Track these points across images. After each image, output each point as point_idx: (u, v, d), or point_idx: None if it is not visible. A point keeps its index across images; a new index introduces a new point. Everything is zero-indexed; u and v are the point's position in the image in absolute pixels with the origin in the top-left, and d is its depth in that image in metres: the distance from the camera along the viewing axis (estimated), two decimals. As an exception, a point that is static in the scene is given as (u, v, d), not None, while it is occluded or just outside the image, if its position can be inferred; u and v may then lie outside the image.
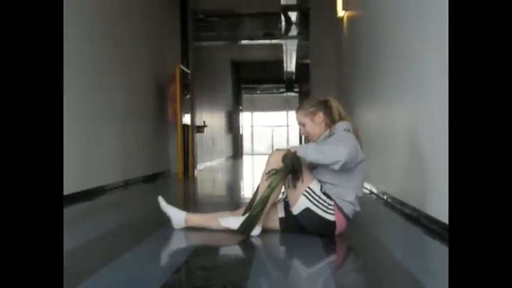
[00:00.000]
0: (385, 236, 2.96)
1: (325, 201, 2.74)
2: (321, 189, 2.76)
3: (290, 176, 2.73)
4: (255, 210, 2.78)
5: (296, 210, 2.78)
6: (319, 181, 2.79)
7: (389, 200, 4.29)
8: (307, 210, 2.74)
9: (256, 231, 2.81)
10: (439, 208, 2.82)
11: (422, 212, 3.19)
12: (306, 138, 3.05)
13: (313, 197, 2.74)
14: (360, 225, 3.15)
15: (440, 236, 2.73)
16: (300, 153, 2.71)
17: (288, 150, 2.76)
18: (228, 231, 2.86)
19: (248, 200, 2.98)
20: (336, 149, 2.64)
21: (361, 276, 2.18)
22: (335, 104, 2.90)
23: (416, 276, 2.03)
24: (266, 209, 2.80)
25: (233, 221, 2.86)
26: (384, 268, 2.24)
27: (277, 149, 2.90)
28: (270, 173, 2.77)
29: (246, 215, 2.81)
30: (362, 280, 2.12)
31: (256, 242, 2.73)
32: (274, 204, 2.94)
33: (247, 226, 2.80)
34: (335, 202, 2.74)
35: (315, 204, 2.73)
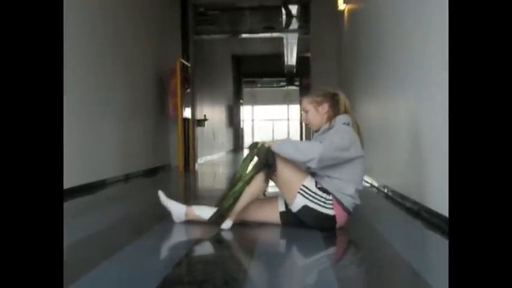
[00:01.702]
0: (385, 229, 2.96)
1: (321, 197, 2.74)
2: (316, 185, 2.77)
3: (265, 170, 2.73)
4: (227, 203, 2.79)
5: (294, 208, 2.79)
6: (318, 175, 2.79)
7: (390, 193, 4.29)
8: (305, 207, 2.75)
9: (227, 224, 2.81)
10: (440, 201, 2.82)
11: (423, 205, 3.20)
12: (306, 126, 3.06)
13: (309, 194, 2.75)
14: (361, 219, 3.15)
15: (440, 230, 2.74)
16: (274, 149, 2.73)
17: (262, 145, 2.78)
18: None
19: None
20: (311, 146, 2.68)
21: (362, 269, 2.18)
22: (343, 98, 2.89)
23: (416, 269, 2.03)
24: (241, 204, 2.79)
25: (205, 211, 2.87)
26: (384, 261, 2.24)
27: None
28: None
29: (218, 207, 2.83)
30: (362, 272, 2.13)
31: (257, 235, 2.74)
32: (275, 199, 2.94)
33: (217, 218, 2.81)
34: (334, 196, 2.75)
35: (312, 201, 2.74)
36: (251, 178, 2.76)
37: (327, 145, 2.65)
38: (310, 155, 2.64)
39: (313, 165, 2.67)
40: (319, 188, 2.76)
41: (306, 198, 2.74)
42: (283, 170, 2.77)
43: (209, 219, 2.85)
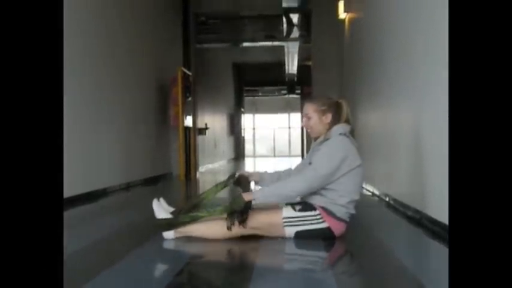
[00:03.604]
0: (387, 238, 2.96)
1: (307, 216, 2.74)
2: (295, 210, 2.77)
3: (236, 215, 2.69)
4: (183, 218, 2.78)
5: (290, 237, 2.79)
6: None
7: (391, 202, 4.28)
8: (298, 233, 2.76)
9: (169, 235, 2.80)
10: (442, 210, 2.82)
11: (425, 214, 3.19)
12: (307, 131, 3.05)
13: (294, 221, 2.75)
14: (362, 227, 3.14)
15: (442, 238, 2.73)
16: (258, 201, 2.70)
17: (241, 197, 2.70)
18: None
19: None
20: (294, 186, 2.70)
21: (363, 277, 2.17)
22: (346, 109, 2.89)
23: (418, 277, 2.02)
24: (193, 229, 2.78)
25: (160, 211, 2.84)
26: (385, 269, 2.24)
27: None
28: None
29: (173, 216, 2.82)
30: (363, 280, 2.12)
31: (258, 243, 2.73)
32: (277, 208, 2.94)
33: (165, 224, 2.81)
34: (323, 208, 2.73)
35: (301, 225, 2.74)
36: (217, 215, 2.76)
37: (312, 178, 2.68)
38: (295, 195, 2.76)
39: (303, 195, 2.78)
40: (299, 210, 2.76)
41: (294, 225, 2.75)
42: (259, 219, 2.76)
43: (159, 219, 2.83)
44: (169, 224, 2.80)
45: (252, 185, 3.04)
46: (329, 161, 2.70)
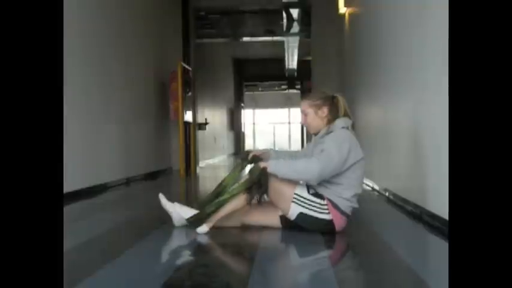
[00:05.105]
0: (387, 233, 2.96)
1: (316, 202, 2.75)
2: (308, 191, 2.77)
3: (255, 187, 2.74)
4: (209, 209, 2.81)
5: (291, 216, 2.80)
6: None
7: (391, 197, 4.28)
8: (301, 214, 2.76)
9: (203, 229, 2.81)
10: (441, 205, 2.82)
11: (424, 208, 3.19)
12: (306, 128, 3.08)
13: (302, 201, 2.76)
14: (362, 223, 3.15)
15: (442, 233, 2.73)
16: (270, 170, 2.74)
17: (257, 165, 2.79)
18: (232, 228, 2.88)
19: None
20: (308, 165, 2.68)
21: (362, 272, 2.17)
22: (342, 101, 2.89)
23: (417, 272, 2.03)
24: (221, 213, 2.83)
25: (185, 211, 2.90)
26: (385, 264, 2.24)
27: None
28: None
29: (198, 211, 2.85)
30: (363, 276, 2.12)
31: (258, 239, 2.73)
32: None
33: (195, 220, 2.84)
34: (329, 200, 2.75)
35: (308, 208, 2.75)
36: (238, 193, 2.79)
37: (325, 162, 2.66)
38: (309, 176, 2.69)
39: (311, 183, 2.74)
40: (312, 194, 2.77)
41: (301, 205, 2.76)
42: (274, 182, 2.78)
43: (188, 219, 2.87)
44: (198, 220, 2.83)
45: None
46: (338, 150, 2.70)
